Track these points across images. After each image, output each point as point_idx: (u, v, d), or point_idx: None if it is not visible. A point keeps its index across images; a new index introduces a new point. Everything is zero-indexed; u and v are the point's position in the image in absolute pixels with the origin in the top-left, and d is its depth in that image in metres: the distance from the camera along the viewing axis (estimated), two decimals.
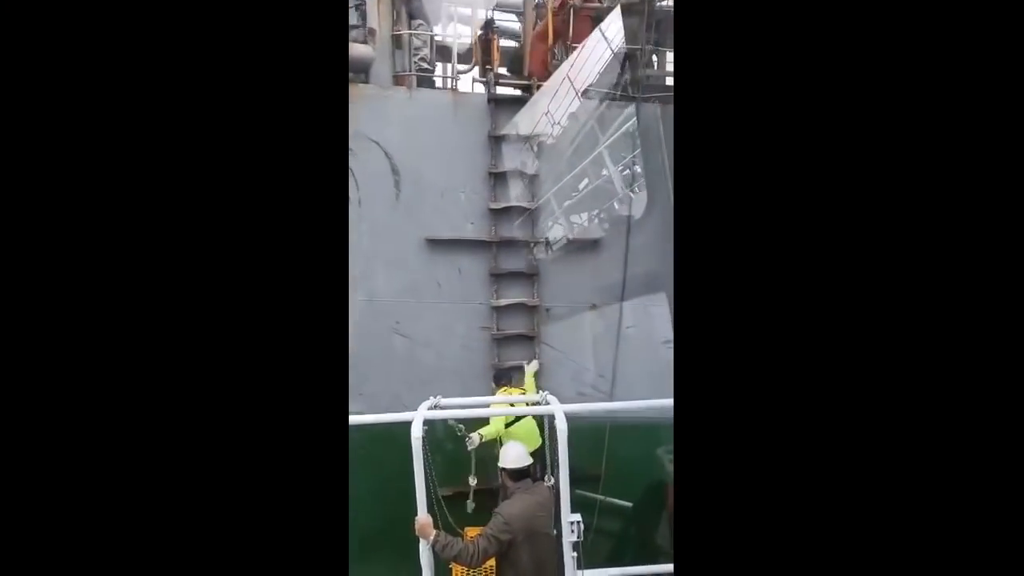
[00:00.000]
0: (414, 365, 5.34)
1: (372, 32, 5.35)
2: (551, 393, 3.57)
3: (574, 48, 5.53)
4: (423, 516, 2.99)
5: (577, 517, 2.98)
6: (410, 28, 5.57)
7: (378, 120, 5.40)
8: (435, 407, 3.30)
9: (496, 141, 5.30)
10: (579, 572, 2.99)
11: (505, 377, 4.88)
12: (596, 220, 5.78)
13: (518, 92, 5.74)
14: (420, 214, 5.43)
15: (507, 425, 4.40)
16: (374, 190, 5.44)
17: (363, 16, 5.26)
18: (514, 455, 3.23)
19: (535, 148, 5.44)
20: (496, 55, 6.38)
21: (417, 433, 2.94)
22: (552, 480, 3.21)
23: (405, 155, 5.43)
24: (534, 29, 6.25)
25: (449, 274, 5.51)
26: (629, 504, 5.05)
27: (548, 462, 3.31)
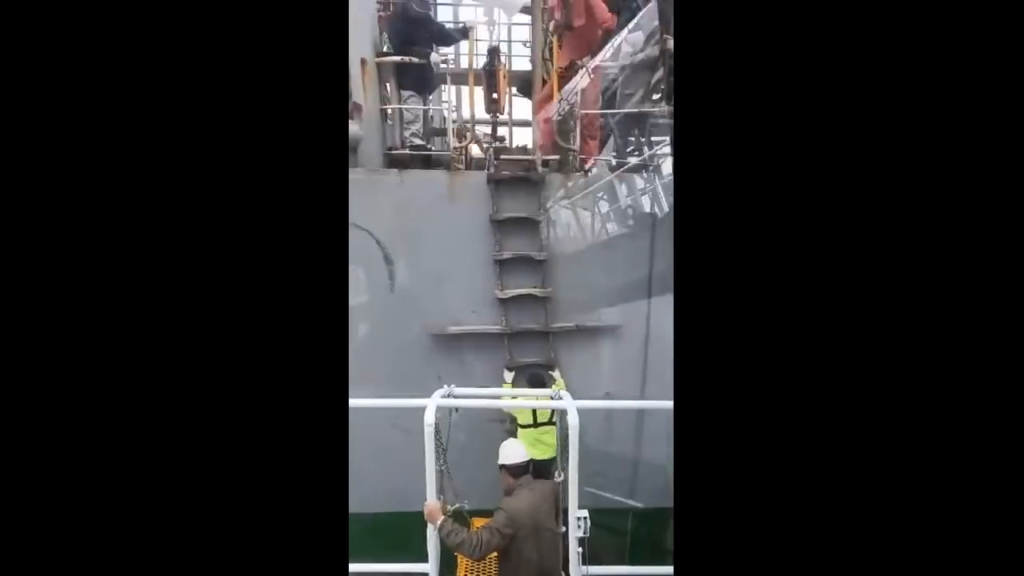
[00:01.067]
0: (415, 461, 4.88)
1: (358, 108, 4.85)
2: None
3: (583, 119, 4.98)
4: (432, 501, 3.04)
5: (584, 513, 3.00)
6: (400, 101, 5.04)
7: (368, 206, 4.91)
8: (448, 396, 3.29)
9: (499, 225, 4.76)
10: (584, 568, 3.03)
11: (535, 379, 4.48)
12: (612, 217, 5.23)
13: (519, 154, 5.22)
14: (417, 304, 4.94)
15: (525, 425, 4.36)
16: (367, 281, 4.99)
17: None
18: (514, 452, 3.25)
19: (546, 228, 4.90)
20: (503, 86, 5.83)
21: (430, 420, 3.00)
22: (562, 476, 3.21)
23: (399, 242, 4.94)
24: (541, 88, 5.71)
25: (449, 366, 5.01)
26: (640, 505, 4.91)
27: (559, 458, 3.34)
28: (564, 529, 3.13)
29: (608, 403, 4.72)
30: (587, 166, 5.04)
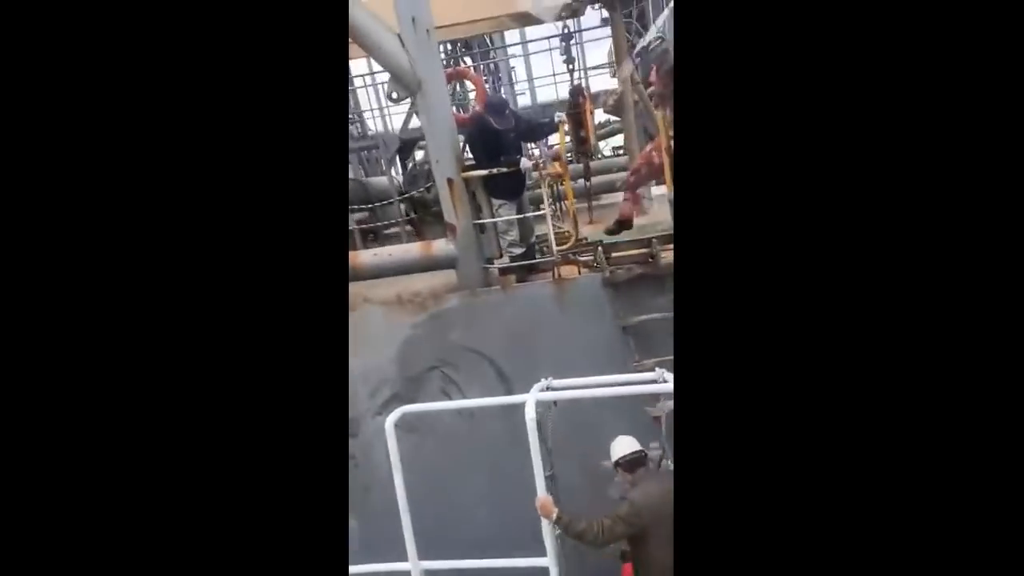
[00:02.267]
0: None
1: (451, 228, 4.59)
2: None
3: None
4: (543, 495, 3.00)
5: None
6: (493, 212, 4.74)
7: (474, 326, 4.60)
8: (547, 388, 3.26)
9: (627, 332, 4.28)
10: None
11: None
12: None
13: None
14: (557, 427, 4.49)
15: None
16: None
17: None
18: (623, 446, 3.11)
19: None
20: (590, 124, 5.43)
21: (531, 414, 2.97)
22: (671, 462, 3.13)
23: (515, 361, 4.57)
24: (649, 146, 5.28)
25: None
26: None
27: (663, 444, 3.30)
28: None
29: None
30: None
